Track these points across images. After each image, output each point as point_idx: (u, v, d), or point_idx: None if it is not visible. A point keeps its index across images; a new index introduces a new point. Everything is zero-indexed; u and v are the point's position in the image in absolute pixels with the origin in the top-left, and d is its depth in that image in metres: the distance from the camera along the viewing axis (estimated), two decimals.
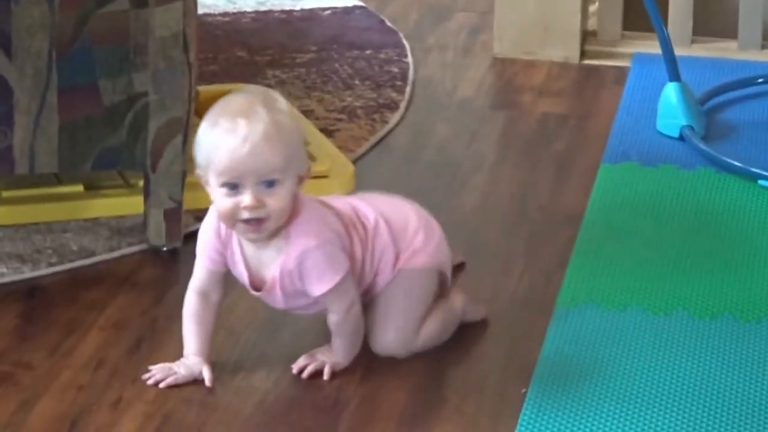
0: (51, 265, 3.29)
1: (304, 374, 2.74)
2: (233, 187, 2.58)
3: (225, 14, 4.58)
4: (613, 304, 3.16)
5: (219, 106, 2.65)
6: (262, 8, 4.66)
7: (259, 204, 2.56)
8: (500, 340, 3.06)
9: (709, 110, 4.00)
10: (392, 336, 2.81)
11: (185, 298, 2.80)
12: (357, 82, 4.20)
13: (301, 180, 2.67)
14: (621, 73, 4.29)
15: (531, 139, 3.97)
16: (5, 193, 3.49)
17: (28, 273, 3.26)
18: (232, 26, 4.51)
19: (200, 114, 3.67)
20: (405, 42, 4.46)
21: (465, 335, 3.06)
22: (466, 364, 2.97)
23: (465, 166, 3.83)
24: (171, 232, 3.34)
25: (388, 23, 4.59)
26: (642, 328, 3.06)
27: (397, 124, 4.00)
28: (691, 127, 3.87)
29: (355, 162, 3.75)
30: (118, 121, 3.28)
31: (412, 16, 4.64)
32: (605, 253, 3.37)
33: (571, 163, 3.83)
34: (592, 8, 4.47)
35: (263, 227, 2.61)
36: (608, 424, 2.73)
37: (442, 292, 2.93)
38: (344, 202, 2.86)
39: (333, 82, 4.20)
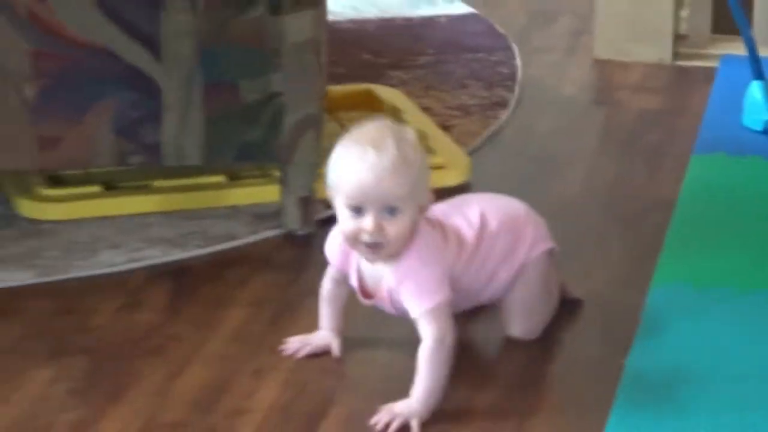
0: (197, 247, 3.33)
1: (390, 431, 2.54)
2: (357, 210, 2.55)
3: (351, 21, 4.59)
4: (706, 283, 3.14)
5: (354, 133, 2.63)
6: (385, 16, 4.67)
7: (379, 229, 2.54)
8: (599, 316, 3.07)
9: None
10: (534, 323, 2.84)
11: (322, 283, 2.82)
12: (471, 82, 4.21)
13: (422, 210, 2.63)
14: (710, 73, 4.26)
15: (627, 132, 3.97)
16: (156, 183, 3.52)
17: (177, 255, 3.29)
18: (357, 32, 4.52)
19: (330, 111, 3.74)
20: (513, 45, 4.47)
21: (568, 311, 3.06)
22: (569, 336, 3.00)
23: (567, 158, 3.84)
24: (305, 218, 3.36)
25: (498, 28, 4.59)
26: (735, 307, 3.04)
27: (507, 120, 4.01)
28: None
29: (470, 154, 3.76)
30: (256, 118, 3.31)
31: (520, 20, 4.64)
32: (698, 236, 3.37)
33: (665, 154, 3.82)
34: (684, 13, 4.45)
35: (381, 251, 2.59)
36: (702, 395, 2.73)
37: None
38: (459, 213, 2.81)
39: (449, 82, 4.21)
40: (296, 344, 2.84)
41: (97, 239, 3.35)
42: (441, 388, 2.58)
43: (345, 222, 2.58)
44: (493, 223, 2.78)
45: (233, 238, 3.37)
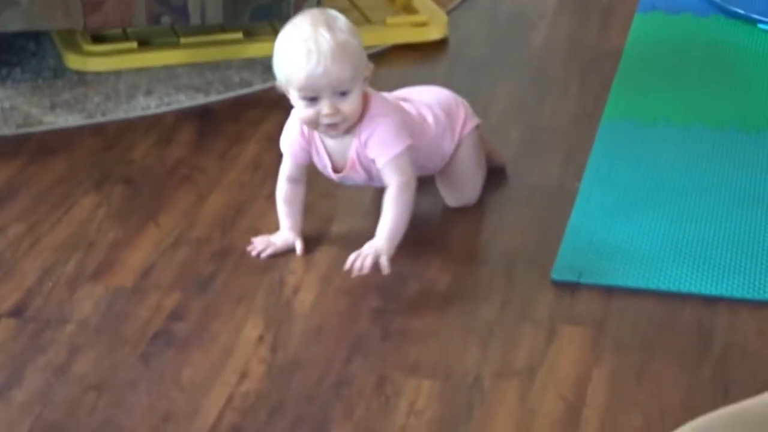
0: (219, 93, 3.29)
1: (362, 272, 2.45)
2: (312, 99, 2.44)
3: None
4: (646, 118, 3.14)
5: (289, 31, 2.48)
6: None
7: (335, 111, 2.43)
8: (560, 146, 3.04)
9: None
10: (471, 192, 2.75)
11: (277, 186, 2.65)
12: None
13: (366, 79, 2.51)
14: None
15: None
16: (183, 40, 3.46)
17: (201, 100, 3.27)
18: None
19: None
20: None
21: (534, 141, 3.04)
22: (535, 164, 2.95)
23: (533, 16, 3.77)
24: None
25: None
26: (672, 137, 3.05)
27: None
28: None
29: (448, 13, 3.69)
30: None
31: None
32: (640, 80, 3.35)
33: (613, 13, 3.77)
34: None
35: (340, 127, 2.48)
36: (647, 209, 2.73)
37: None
38: (406, 102, 2.70)
39: None
40: (260, 245, 2.64)
41: (134, 87, 3.32)
42: (404, 227, 2.52)
43: (303, 111, 2.47)
44: (435, 107, 2.69)
45: (249, 85, 3.33)
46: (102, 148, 3.05)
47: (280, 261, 2.61)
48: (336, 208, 2.80)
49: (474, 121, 2.76)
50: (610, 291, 2.51)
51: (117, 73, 3.36)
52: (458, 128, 2.72)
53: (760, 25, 3.57)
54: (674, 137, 3.05)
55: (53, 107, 3.21)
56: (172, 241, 2.68)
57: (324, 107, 2.43)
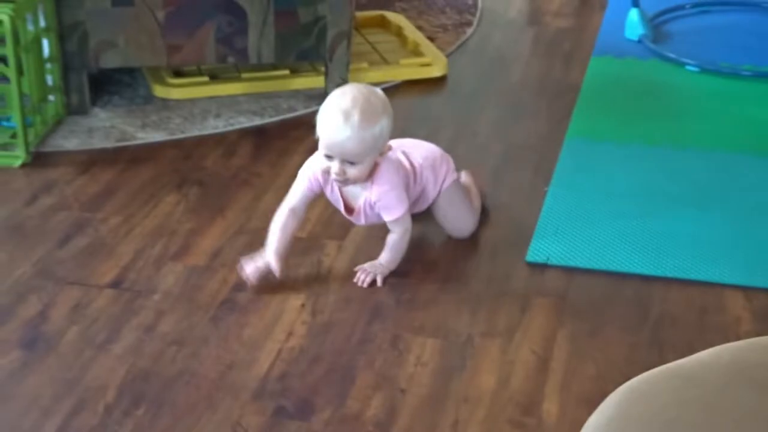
0: (271, 116, 3.27)
1: (364, 284, 2.44)
2: (329, 157, 2.36)
3: None
4: (600, 137, 3.13)
5: (337, 96, 2.39)
6: None
7: (342, 173, 2.36)
8: (532, 159, 3.03)
9: (656, 25, 3.90)
10: (465, 225, 2.63)
11: (277, 212, 2.50)
12: (447, 9, 4.11)
13: (382, 154, 2.41)
14: (604, 3, 4.19)
15: (549, 42, 3.88)
16: (244, 75, 3.44)
17: (257, 121, 3.24)
18: None
19: (356, 28, 3.68)
20: None
21: (511, 154, 3.04)
22: (509, 174, 2.95)
23: (511, 58, 3.75)
24: None
25: None
26: (618, 153, 3.05)
27: (471, 34, 3.92)
28: (646, 35, 3.77)
29: (447, 56, 3.67)
30: (309, 32, 3.24)
31: None
32: (595, 108, 3.33)
33: (574, 57, 3.74)
34: None
35: (345, 184, 2.42)
36: (601, 208, 2.72)
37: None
38: (403, 154, 2.56)
39: (433, 9, 4.11)
40: (248, 268, 2.44)
41: (206, 111, 3.31)
42: (399, 260, 2.49)
43: (321, 161, 2.40)
44: (421, 166, 2.56)
45: (294, 110, 3.31)
46: (181, 158, 3.03)
47: (318, 245, 2.61)
48: None
49: (454, 176, 2.62)
50: (571, 271, 2.51)
51: (192, 101, 3.35)
52: (440, 180, 2.59)
53: (688, 67, 3.56)
54: (621, 152, 3.04)
55: (143, 126, 3.20)
56: (235, 230, 2.67)
57: (335, 167, 2.36)
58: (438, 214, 2.62)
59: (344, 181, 2.40)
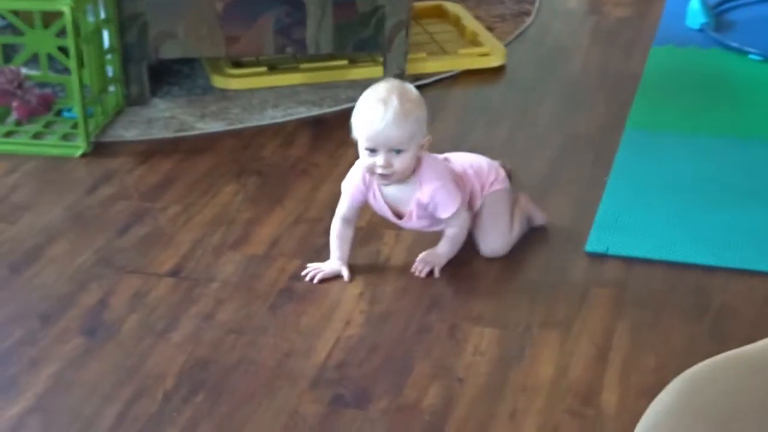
0: (329, 106, 3.27)
1: (422, 275, 2.42)
2: (372, 151, 2.32)
3: None
4: (660, 128, 3.11)
5: (370, 91, 2.38)
6: None
7: (388, 164, 2.31)
8: (591, 149, 3.01)
9: (718, 13, 3.87)
10: (499, 243, 2.53)
11: (332, 222, 2.48)
12: (506, 0, 4.13)
13: (422, 146, 2.37)
14: None
15: (609, 31, 3.86)
16: (302, 65, 3.45)
17: (315, 111, 3.25)
18: None
19: (415, 19, 3.68)
20: None
21: (571, 145, 3.02)
22: (569, 164, 2.93)
23: (571, 47, 3.73)
24: None
25: None
26: (677, 143, 3.02)
27: (530, 24, 3.91)
28: (708, 23, 3.74)
29: (506, 46, 3.66)
30: (367, 23, 3.25)
31: None
32: (655, 98, 3.30)
33: (634, 46, 3.71)
34: None
35: (390, 179, 2.35)
36: (662, 200, 2.71)
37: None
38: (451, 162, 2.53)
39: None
40: (313, 271, 2.46)
41: (264, 101, 3.32)
42: (457, 252, 2.46)
43: (364, 158, 2.35)
44: (465, 170, 2.50)
45: (353, 100, 3.19)
46: (240, 148, 3.05)
47: (377, 234, 2.61)
48: None
49: (501, 185, 2.54)
50: (630, 261, 2.49)
51: (251, 91, 3.36)
52: (487, 187, 2.51)
53: (751, 56, 3.53)
54: (683, 143, 3.01)
55: (203, 116, 3.21)
56: (293, 219, 2.68)
57: (380, 159, 2.32)
58: (476, 224, 2.53)
59: (391, 175, 2.35)
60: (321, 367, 2.15)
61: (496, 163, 2.58)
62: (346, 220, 2.47)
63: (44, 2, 2.95)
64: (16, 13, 3.09)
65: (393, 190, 2.42)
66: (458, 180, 2.47)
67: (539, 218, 2.63)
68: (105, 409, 2.06)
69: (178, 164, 2.95)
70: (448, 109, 3.25)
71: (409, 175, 2.38)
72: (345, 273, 2.45)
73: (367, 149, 2.34)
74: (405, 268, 2.48)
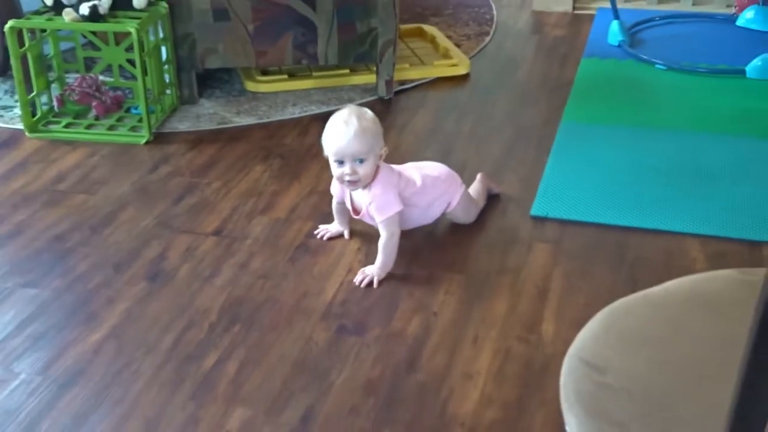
0: (335, 105, 3.20)
1: (362, 285, 2.21)
2: (340, 162, 2.20)
3: None
4: (589, 121, 3.07)
5: (335, 116, 2.25)
6: None
7: (353, 172, 2.19)
8: (535, 137, 2.98)
9: (632, 33, 3.83)
10: (470, 219, 2.44)
11: (332, 205, 2.39)
12: (471, 22, 4.06)
13: (380, 156, 2.23)
14: (592, 17, 4.11)
15: (549, 47, 3.82)
16: (314, 73, 3.41)
17: (324, 109, 3.20)
18: None
19: (400, 38, 3.64)
20: (492, 4, 4.30)
21: (520, 134, 3.00)
22: (518, 149, 2.91)
23: (520, 59, 3.68)
24: (388, 90, 3.25)
25: None
26: (602, 132, 2.98)
27: (489, 42, 3.86)
28: (624, 41, 3.71)
29: (470, 58, 3.62)
30: (364, 40, 3.20)
31: None
32: (585, 98, 3.26)
33: (568, 59, 3.67)
34: None
35: (357, 185, 2.23)
36: (587, 173, 2.68)
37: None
38: (412, 172, 2.36)
39: (459, 23, 4.05)
40: (322, 231, 2.42)
41: (285, 101, 3.28)
42: (391, 263, 2.25)
43: (334, 170, 2.22)
44: (431, 179, 2.36)
45: (353, 100, 3.28)
46: (267, 137, 3.01)
47: None
48: None
49: (461, 189, 2.42)
50: (565, 223, 2.48)
51: (275, 93, 3.32)
52: (448, 195, 2.39)
53: (657, 66, 3.50)
54: (606, 132, 2.98)
55: (238, 113, 3.18)
56: (308, 191, 2.66)
57: (347, 168, 2.19)
58: (455, 215, 2.44)
59: (357, 181, 2.22)
60: (329, 304, 2.15)
61: (452, 172, 2.44)
62: (339, 203, 2.39)
63: (116, 25, 2.92)
64: (95, 33, 3.06)
65: (356, 193, 2.30)
66: (410, 192, 2.31)
67: (495, 189, 2.60)
68: (164, 336, 2.05)
69: (220, 149, 2.93)
70: (426, 107, 3.23)
71: (371, 181, 2.25)
72: (346, 233, 2.42)
73: (335, 161, 2.21)
74: None
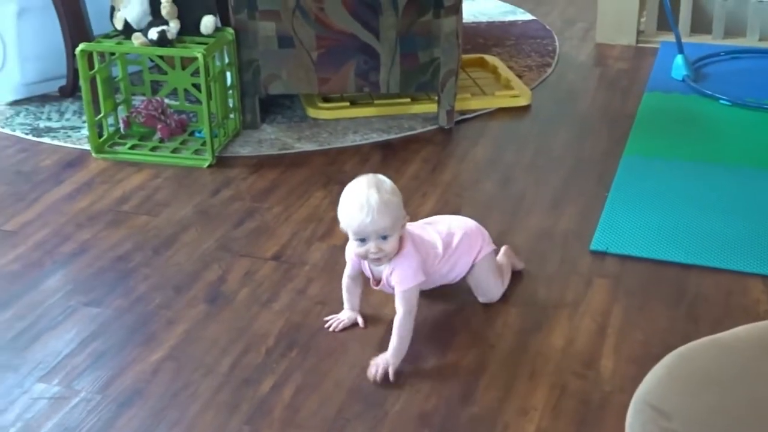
0: (395, 133, 3.24)
1: (378, 379, 1.99)
2: (362, 240, 2.00)
3: (473, 22, 4.44)
4: (650, 155, 3.04)
5: (350, 189, 2.05)
6: (490, 20, 4.51)
7: (379, 250, 2.00)
8: (596, 170, 2.96)
9: (696, 67, 3.79)
10: (493, 293, 2.24)
11: (343, 279, 2.20)
12: (533, 54, 4.05)
13: (402, 227, 2.04)
14: (655, 51, 4.08)
15: (611, 80, 3.79)
16: (376, 101, 3.42)
17: (384, 137, 3.21)
18: (476, 28, 4.37)
19: (462, 68, 3.65)
20: (554, 35, 4.29)
21: (579, 166, 2.98)
22: (578, 181, 2.89)
23: (581, 90, 3.66)
24: (449, 120, 3.26)
25: (547, 26, 4.41)
26: (663, 167, 2.95)
27: (550, 73, 3.85)
28: (688, 75, 3.67)
29: (531, 89, 3.61)
30: (426, 70, 3.21)
31: (558, 23, 4.46)
32: (647, 132, 3.23)
33: (630, 92, 3.64)
34: (642, 19, 4.25)
35: (382, 261, 2.04)
36: (648, 208, 2.66)
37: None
38: (432, 236, 2.18)
39: (521, 53, 4.05)
40: (335, 322, 2.19)
41: (346, 128, 3.29)
42: (407, 345, 2.03)
43: (356, 248, 2.04)
44: (455, 239, 2.19)
45: (413, 129, 3.29)
46: (327, 163, 3.03)
47: None
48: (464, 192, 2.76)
49: (489, 248, 2.25)
50: (625, 258, 2.45)
51: (336, 120, 3.34)
52: (474, 251, 2.21)
53: (721, 101, 3.46)
54: (668, 167, 2.95)
55: (299, 139, 3.20)
56: None
57: (371, 247, 2.00)
58: (470, 281, 2.25)
59: (382, 258, 2.03)
60: (385, 332, 2.14)
61: (480, 227, 2.27)
62: (352, 278, 2.19)
63: (184, 50, 2.97)
64: (162, 57, 3.12)
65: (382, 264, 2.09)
66: (440, 250, 2.15)
67: (519, 265, 2.39)
68: (222, 359, 2.07)
69: (281, 175, 2.96)
70: (487, 137, 3.23)
71: (396, 253, 2.05)
72: (360, 321, 2.19)
73: (356, 240, 2.03)
74: None
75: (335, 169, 2.99)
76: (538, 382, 1.99)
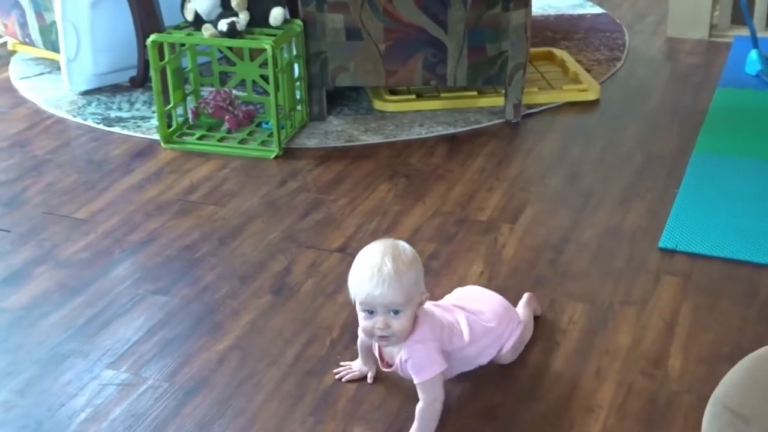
0: (461, 126, 3.22)
1: None
2: (371, 312, 1.78)
3: (542, 15, 4.40)
4: (722, 151, 2.98)
5: (362, 255, 1.82)
6: (559, 13, 4.45)
7: (386, 326, 1.77)
8: (664, 166, 2.91)
9: None
10: (514, 358, 2.00)
11: (359, 339, 1.94)
12: (602, 47, 3.99)
13: (420, 304, 1.83)
14: (728, 45, 3.99)
15: (683, 75, 3.72)
16: (442, 94, 3.41)
17: (450, 130, 3.20)
18: (545, 21, 4.33)
19: (530, 61, 3.62)
20: (624, 29, 4.23)
21: (650, 163, 2.93)
22: (647, 177, 2.85)
23: (652, 86, 3.60)
24: (516, 114, 3.23)
25: (617, 20, 4.35)
26: (735, 163, 2.90)
27: (620, 67, 3.80)
28: (762, 70, 3.59)
29: (600, 83, 3.56)
30: (494, 63, 3.18)
31: (628, 17, 4.40)
32: (719, 128, 3.17)
33: (702, 87, 3.57)
34: (716, 13, 4.16)
35: (389, 341, 1.81)
36: (719, 206, 2.61)
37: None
38: (458, 317, 1.96)
39: (591, 47, 3.99)
40: (344, 371, 2.01)
41: (412, 121, 3.29)
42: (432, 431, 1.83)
43: (362, 321, 1.81)
44: (485, 325, 1.96)
45: (479, 123, 3.27)
46: (393, 156, 3.03)
47: (495, 227, 2.56)
48: (526, 198, 2.75)
49: (519, 329, 2.03)
50: (695, 256, 2.41)
51: (403, 113, 3.34)
52: (504, 338, 2.00)
53: None
54: (739, 164, 2.90)
55: (366, 131, 3.21)
56: (431, 212, 2.65)
57: (378, 322, 1.78)
58: (502, 357, 2.02)
59: (389, 337, 1.80)
60: None
61: (510, 308, 2.07)
62: (366, 339, 1.92)
63: (253, 42, 2.99)
64: (231, 49, 3.14)
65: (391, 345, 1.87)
66: (456, 347, 1.91)
67: (538, 311, 2.19)
68: (286, 349, 2.08)
69: (347, 167, 2.96)
70: (554, 132, 3.19)
71: (408, 335, 1.82)
72: (369, 376, 1.99)
73: (364, 311, 1.80)
74: (516, 254, 2.44)
75: (401, 161, 2.99)
76: (605, 380, 1.96)
